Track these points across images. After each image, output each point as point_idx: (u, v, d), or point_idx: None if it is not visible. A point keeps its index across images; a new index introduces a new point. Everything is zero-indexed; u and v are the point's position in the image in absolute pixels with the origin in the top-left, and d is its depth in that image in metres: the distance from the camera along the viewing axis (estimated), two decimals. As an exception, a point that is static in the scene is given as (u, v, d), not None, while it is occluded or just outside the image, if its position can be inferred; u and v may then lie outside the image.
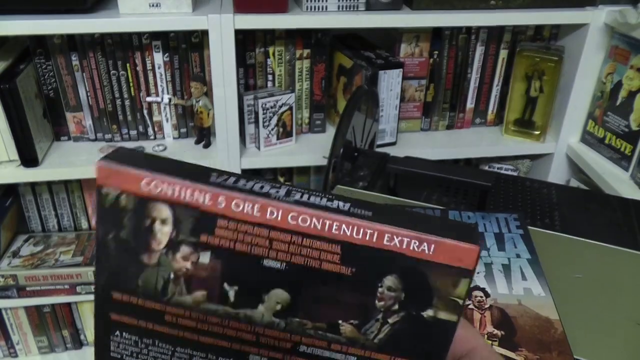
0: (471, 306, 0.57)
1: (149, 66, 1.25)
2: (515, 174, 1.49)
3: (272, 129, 1.26)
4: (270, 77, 1.30)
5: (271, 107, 1.24)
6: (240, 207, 0.27)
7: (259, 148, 1.28)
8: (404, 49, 1.31)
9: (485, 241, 0.78)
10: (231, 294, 0.29)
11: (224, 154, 1.24)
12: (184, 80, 1.28)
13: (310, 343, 0.29)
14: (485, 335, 0.49)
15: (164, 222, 0.28)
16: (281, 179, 1.43)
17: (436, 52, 1.33)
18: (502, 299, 0.60)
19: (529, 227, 0.83)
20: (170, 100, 1.27)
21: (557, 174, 1.46)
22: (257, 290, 0.28)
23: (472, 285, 0.55)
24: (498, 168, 1.49)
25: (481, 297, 0.61)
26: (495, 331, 0.50)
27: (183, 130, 1.34)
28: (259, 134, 1.26)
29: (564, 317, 0.57)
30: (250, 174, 1.38)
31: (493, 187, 0.92)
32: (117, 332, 0.30)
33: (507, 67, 1.40)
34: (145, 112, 1.31)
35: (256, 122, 1.25)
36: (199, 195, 0.27)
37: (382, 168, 0.93)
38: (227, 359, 0.29)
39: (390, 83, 1.26)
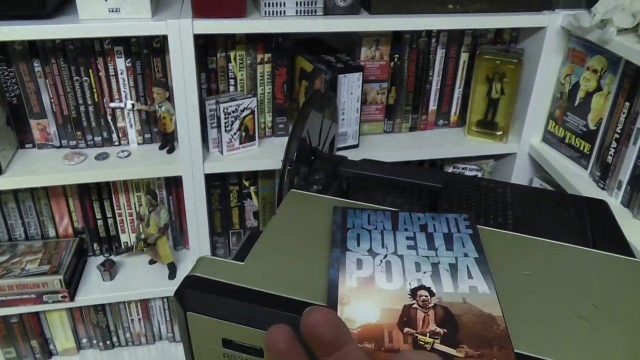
0: (415, 305, 0.58)
1: (111, 72, 1.26)
2: (479, 174, 1.51)
3: (235, 134, 1.27)
4: (232, 81, 1.31)
5: (233, 112, 1.25)
6: None
7: (222, 153, 1.29)
8: (364, 52, 1.32)
9: (434, 241, 0.79)
10: None
11: (187, 159, 1.25)
12: (146, 85, 1.28)
13: None
14: (428, 334, 0.50)
15: None
16: (246, 183, 1.43)
17: (397, 55, 1.35)
18: (447, 298, 0.61)
19: (482, 226, 0.85)
20: (133, 105, 1.28)
21: (520, 173, 1.48)
22: None
23: (417, 285, 0.56)
24: (462, 168, 1.51)
25: (426, 296, 0.61)
26: (438, 329, 0.51)
27: (147, 135, 1.34)
28: (222, 138, 1.26)
29: (510, 313, 0.59)
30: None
31: (445, 187, 0.93)
32: None
33: (468, 70, 1.42)
34: (109, 118, 1.31)
35: (218, 126, 1.26)
36: None
37: (338, 171, 0.94)
38: None
39: (350, 86, 1.27)
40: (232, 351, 0.48)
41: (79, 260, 1.45)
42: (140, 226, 1.40)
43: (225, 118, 1.24)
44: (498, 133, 1.44)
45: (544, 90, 1.38)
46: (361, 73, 1.27)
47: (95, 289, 1.41)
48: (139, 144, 1.35)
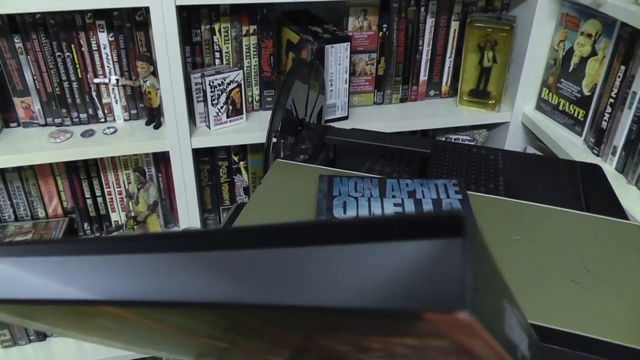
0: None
1: (94, 46, 1.23)
2: (472, 144, 1.49)
3: (222, 107, 1.25)
4: (217, 54, 1.28)
5: (219, 85, 1.22)
6: None
7: (209, 127, 1.26)
8: (351, 22, 1.30)
9: (423, 207, 0.78)
10: None
11: (174, 133, 1.23)
12: (130, 60, 1.26)
13: None
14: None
15: None
16: (235, 158, 1.41)
17: (385, 25, 1.32)
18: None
19: (473, 192, 0.83)
20: (117, 81, 1.25)
21: (513, 142, 1.47)
22: None
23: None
24: (455, 139, 1.49)
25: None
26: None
27: (134, 111, 1.32)
28: (209, 112, 1.24)
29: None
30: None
31: (434, 154, 0.91)
32: None
33: (459, 39, 1.39)
34: (94, 94, 1.28)
35: (205, 100, 1.23)
36: None
37: (324, 140, 0.92)
38: None
39: (338, 57, 1.25)
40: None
41: (70, 241, 1.43)
42: (130, 204, 1.39)
43: (211, 91, 1.22)
44: (490, 102, 1.42)
45: (537, 57, 1.36)
46: (349, 43, 1.24)
47: (86, 269, 1.40)
48: (125, 120, 1.32)
